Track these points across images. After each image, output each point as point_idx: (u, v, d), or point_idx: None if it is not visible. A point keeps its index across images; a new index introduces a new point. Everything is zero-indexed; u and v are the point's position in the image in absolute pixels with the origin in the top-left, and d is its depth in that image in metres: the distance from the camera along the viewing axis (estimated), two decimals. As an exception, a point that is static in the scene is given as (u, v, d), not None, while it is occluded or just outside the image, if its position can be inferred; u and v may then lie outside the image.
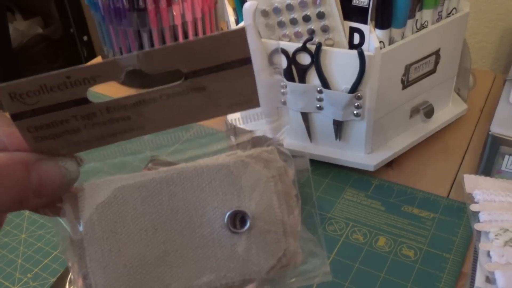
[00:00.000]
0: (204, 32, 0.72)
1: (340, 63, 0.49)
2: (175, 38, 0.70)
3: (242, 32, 0.22)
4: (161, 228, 0.24)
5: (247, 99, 0.24)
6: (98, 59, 0.81)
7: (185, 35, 0.71)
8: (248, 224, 0.24)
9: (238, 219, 0.24)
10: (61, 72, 0.21)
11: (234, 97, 0.23)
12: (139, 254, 0.23)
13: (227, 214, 0.24)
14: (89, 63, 0.21)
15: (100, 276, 0.23)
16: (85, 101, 0.22)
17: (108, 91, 0.47)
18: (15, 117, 0.21)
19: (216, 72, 0.22)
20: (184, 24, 0.70)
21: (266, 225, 0.24)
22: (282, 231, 0.24)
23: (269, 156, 0.25)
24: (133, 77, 0.65)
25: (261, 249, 0.24)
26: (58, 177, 0.23)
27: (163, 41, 0.69)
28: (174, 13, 0.67)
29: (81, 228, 0.23)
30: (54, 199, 0.23)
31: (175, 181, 0.24)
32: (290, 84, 0.52)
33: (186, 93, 0.23)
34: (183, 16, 0.69)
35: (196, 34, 0.71)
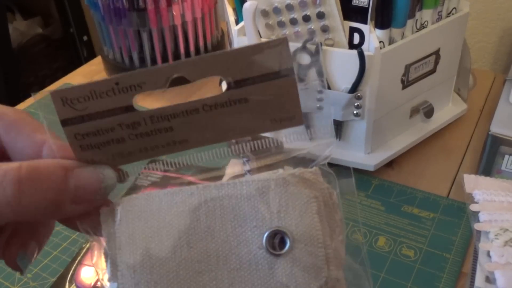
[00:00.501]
0: (204, 32, 0.72)
1: (340, 63, 0.49)
2: (175, 38, 0.70)
3: (284, 41, 0.22)
4: (196, 246, 0.22)
5: (290, 116, 0.23)
6: (98, 59, 0.81)
7: (185, 35, 0.71)
8: (288, 246, 0.22)
9: (277, 240, 0.22)
10: (110, 79, 0.22)
11: (277, 112, 0.23)
12: (172, 272, 0.22)
13: (266, 234, 0.22)
14: (136, 70, 0.22)
15: None
16: (130, 108, 0.22)
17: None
18: (65, 123, 0.22)
19: (258, 83, 0.22)
20: (184, 24, 0.70)
21: (307, 247, 0.22)
22: (324, 256, 0.23)
23: (312, 176, 0.24)
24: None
25: (301, 274, 0.22)
26: (95, 182, 0.23)
27: (163, 41, 0.69)
28: (174, 13, 0.67)
29: (115, 243, 0.23)
30: (90, 209, 0.23)
31: (214, 197, 0.23)
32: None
33: (228, 105, 0.22)
34: (183, 16, 0.68)
35: (196, 34, 0.71)
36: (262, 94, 0.22)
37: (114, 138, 0.23)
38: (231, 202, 0.23)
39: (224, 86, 0.22)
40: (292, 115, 0.23)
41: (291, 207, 0.23)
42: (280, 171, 0.24)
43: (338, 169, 0.24)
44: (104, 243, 0.23)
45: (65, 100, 0.22)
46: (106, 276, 0.23)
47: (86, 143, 0.23)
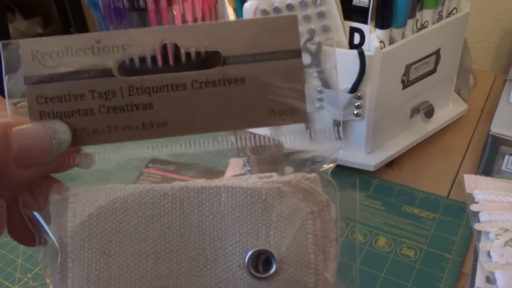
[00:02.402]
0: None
1: (340, 63, 0.49)
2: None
3: (293, 20, 0.19)
4: (165, 257, 0.19)
5: (292, 108, 0.20)
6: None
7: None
8: (273, 269, 0.19)
9: (261, 261, 0.19)
10: (92, 35, 0.19)
11: (276, 102, 0.20)
12: (133, 287, 0.19)
13: (250, 253, 0.19)
14: (122, 30, 0.19)
15: None
16: (108, 73, 0.19)
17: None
18: (29, 80, 0.19)
19: (258, 62, 0.19)
20: (184, 24, 0.70)
21: (295, 272, 0.19)
22: (314, 283, 0.20)
23: (310, 186, 0.20)
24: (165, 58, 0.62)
25: None
26: (44, 139, 0.19)
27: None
28: (175, 13, 0.67)
29: (67, 242, 0.19)
30: (41, 177, 0.19)
31: (192, 201, 0.20)
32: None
33: (222, 84, 0.19)
34: (183, 16, 0.69)
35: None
36: (262, 75, 0.20)
37: (82, 108, 0.19)
38: (212, 210, 0.20)
39: (220, 60, 0.20)
40: (294, 107, 0.20)
41: (283, 223, 0.20)
42: (274, 176, 0.20)
43: (340, 177, 0.22)
44: (53, 239, 0.20)
45: (36, 54, 0.19)
46: (53, 280, 0.19)
47: (47, 109, 0.19)
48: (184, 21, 0.69)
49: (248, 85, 0.20)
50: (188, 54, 0.63)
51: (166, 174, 0.46)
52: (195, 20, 0.71)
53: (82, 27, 1.27)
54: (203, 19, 0.71)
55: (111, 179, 0.21)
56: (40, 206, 0.20)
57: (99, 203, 0.19)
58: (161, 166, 0.47)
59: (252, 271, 0.19)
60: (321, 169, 0.22)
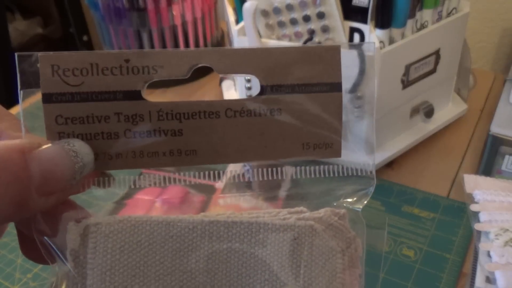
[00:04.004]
0: (204, 32, 0.72)
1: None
2: (175, 38, 0.70)
3: (336, 50, 0.19)
4: None
5: (327, 142, 0.19)
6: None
7: (185, 35, 0.71)
8: None
9: None
10: (120, 53, 0.18)
11: (312, 134, 0.19)
12: None
13: None
14: (154, 50, 0.18)
15: None
16: (136, 96, 0.18)
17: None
18: (48, 98, 0.17)
19: (296, 93, 0.18)
20: (184, 24, 0.70)
21: None
22: None
23: (339, 222, 0.20)
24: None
25: None
26: (65, 163, 0.17)
27: (163, 41, 0.69)
28: (174, 13, 0.67)
29: (86, 276, 0.18)
30: (62, 201, 0.18)
31: (221, 236, 0.19)
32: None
33: (257, 114, 0.18)
34: (183, 16, 0.68)
35: (196, 34, 0.71)
36: (300, 107, 0.19)
37: (106, 131, 0.18)
38: (241, 246, 0.19)
39: (256, 88, 0.19)
40: (330, 142, 0.20)
41: (314, 263, 0.19)
42: (305, 211, 0.20)
43: (368, 213, 0.21)
44: (70, 268, 0.18)
45: (56, 69, 0.17)
46: None
47: (67, 130, 0.18)
48: (183, 21, 0.69)
49: (284, 116, 0.19)
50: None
51: (166, 174, 0.46)
52: (194, 20, 0.71)
53: (82, 27, 1.27)
54: (202, 19, 0.71)
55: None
56: (54, 231, 0.18)
57: (123, 235, 0.18)
58: (153, 177, 0.47)
59: None
60: (350, 202, 0.21)
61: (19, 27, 1.27)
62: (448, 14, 0.55)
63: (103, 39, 0.73)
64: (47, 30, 1.30)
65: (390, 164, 0.56)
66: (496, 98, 0.61)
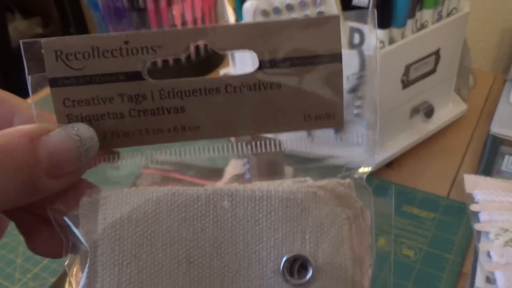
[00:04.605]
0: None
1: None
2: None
3: (335, 20, 0.19)
4: (197, 262, 0.18)
5: (329, 113, 0.20)
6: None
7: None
8: (309, 276, 0.18)
9: (297, 266, 0.19)
10: (119, 35, 0.18)
11: (313, 106, 0.19)
12: None
13: (285, 258, 0.18)
14: (152, 30, 0.18)
15: None
16: (138, 76, 0.19)
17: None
18: (54, 83, 0.18)
19: (296, 66, 0.19)
20: (184, 24, 0.70)
21: (331, 281, 0.19)
22: None
23: (345, 191, 0.20)
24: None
25: None
26: (71, 147, 0.18)
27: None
28: (174, 13, 0.67)
29: (97, 245, 0.19)
30: (72, 182, 0.19)
31: (225, 205, 0.19)
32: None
33: (257, 89, 0.19)
34: (183, 16, 0.69)
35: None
36: (299, 80, 0.19)
37: (111, 111, 0.19)
38: (246, 214, 0.19)
39: (255, 64, 0.19)
40: (331, 112, 0.20)
41: (319, 228, 0.19)
42: (309, 181, 0.20)
43: (375, 183, 0.22)
44: (83, 241, 0.19)
45: (60, 54, 0.18)
46: (81, 285, 0.19)
47: (75, 112, 0.19)
48: (183, 21, 0.69)
49: (284, 89, 0.19)
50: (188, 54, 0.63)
51: (166, 174, 0.46)
52: (194, 20, 0.70)
53: (82, 27, 1.27)
54: (202, 19, 0.71)
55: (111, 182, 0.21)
56: (70, 210, 0.19)
57: (131, 205, 0.19)
58: (160, 166, 0.47)
59: (288, 277, 0.18)
60: (355, 175, 0.21)
61: (19, 27, 1.27)
62: (448, 14, 0.55)
63: (103, 39, 0.73)
64: (47, 30, 1.30)
65: (390, 164, 0.56)
66: (496, 98, 0.61)
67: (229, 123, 0.19)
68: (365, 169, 0.21)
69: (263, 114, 0.19)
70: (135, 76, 0.19)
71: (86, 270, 0.18)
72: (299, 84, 0.19)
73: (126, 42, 0.18)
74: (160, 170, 0.48)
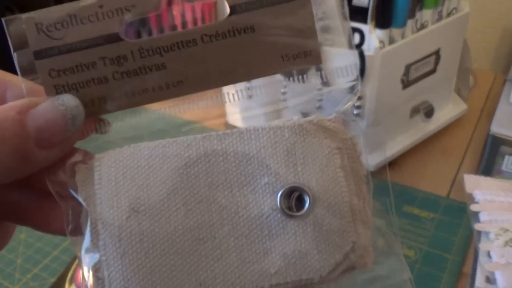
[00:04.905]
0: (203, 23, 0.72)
1: (340, 63, 0.49)
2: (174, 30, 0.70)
3: None
4: (195, 208, 0.19)
5: (306, 51, 0.20)
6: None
7: (183, 26, 0.71)
8: (307, 205, 0.18)
9: (294, 199, 0.19)
10: (93, 0, 0.19)
11: (289, 46, 0.19)
12: (166, 241, 0.18)
13: (281, 192, 0.18)
14: None
15: (116, 267, 0.18)
16: (116, 38, 0.19)
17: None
18: (39, 55, 0.19)
19: (266, 7, 0.19)
20: (184, 24, 0.70)
21: (329, 208, 0.19)
22: (351, 217, 0.19)
23: (332, 125, 0.20)
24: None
25: (323, 239, 0.18)
26: (57, 117, 0.19)
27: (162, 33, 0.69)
28: (174, 13, 0.67)
29: (95, 205, 0.19)
30: (65, 152, 0.19)
31: (216, 149, 0.19)
32: (290, 84, 0.52)
33: (231, 35, 0.19)
34: (183, 16, 0.69)
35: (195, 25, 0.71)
36: (272, 21, 0.19)
37: (95, 76, 0.19)
38: (237, 155, 0.19)
39: (226, 10, 0.19)
40: (308, 49, 0.20)
41: (310, 159, 0.19)
42: (295, 117, 0.20)
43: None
44: (84, 205, 0.19)
45: (40, 27, 0.18)
46: (84, 246, 0.19)
47: (62, 82, 0.19)
48: (183, 21, 0.69)
49: (259, 32, 0.19)
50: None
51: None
52: (194, 20, 0.70)
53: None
54: (202, 20, 0.71)
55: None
56: (70, 178, 0.20)
57: (124, 162, 0.19)
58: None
59: (286, 211, 0.18)
60: (342, 109, 0.21)
61: (19, 27, 1.27)
62: (448, 14, 0.55)
63: (103, 39, 0.73)
64: (47, 30, 1.30)
65: (390, 164, 0.56)
66: (496, 98, 0.61)
67: (211, 74, 0.19)
68: (349, 103, 0.22)
69: (242, 59, 0.19)
70: (113, 38, 0.19)
71: (87, 229, 0.19)
72: (272, 24, 0.19)
73: (101, 6, 0.19)
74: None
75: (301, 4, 0.19)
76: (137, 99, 0.20)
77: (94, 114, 0.20)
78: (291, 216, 0.18)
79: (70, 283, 0.44)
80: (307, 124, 0.20)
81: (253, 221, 0.19)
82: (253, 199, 0.19)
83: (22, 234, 0.50)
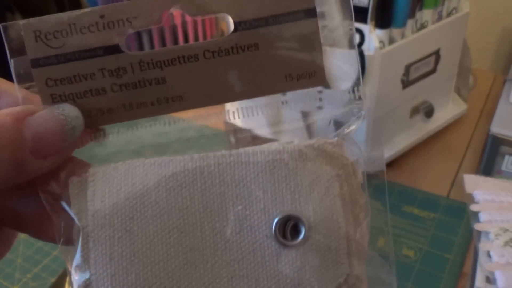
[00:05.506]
0: (204, 32, 0.72)
1: (340, 63, 0.49)
2: (175, 38, 0.70)
3: None
4: (188, 231, 0.18)
5: (310, 71, 0.19)
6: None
7: (185, 35, 0.71)
8: (302, 235, 0.18)
9: (289, 227, 0.18)
10: (94, 10, 0.18)
11: (293, 65, 0.19)
12: (158, 263, 0.18)
13: (276, 220, 0.18)
14: (125, 1, 0.18)
15: (106, 286, 0.18)
16: (116, 50, 0.19)
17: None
18: (36, 63, 0.18)
19: (271, 25, 0.18)
20: (184, 24, 0.70)
21: (325, 238, 0.18)
22: (346, 249, 0.19)
23: (333, 150, 0.20)
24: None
25: (316, 270, 0.18)
26: (56, 126, 0.18)
27: (163, 41, 0.69)
28: (174, 13, 0.67)
29: (88, 222, 0.18)
30: (60, 162, 0.19)
31: (212, 170, 0.18)
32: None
33: (235, 52, 0.19)
34: (183, 16, 0.68)
35: (196, 34, 0.71)
36: (276, 39, 0.19)
37: (93, 87, 0.19)
38: (233, 178, 0.18)
39: (230, 27, 0.19)
40: (312, 70, 0.19)
41: (309, 187, 0.19)
42: (295, 141, 0.19)
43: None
44: (76, 221, 0.19)
45: (39, 35, 0.18)
46: (74, 263, 0.19)
47: (58, 91, 0.19)
48: (183, 21, 0.69)
49: (262, 50, 0.19)
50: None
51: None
52: (194, 20, 0.70)
53: (82, 27, 1.27)
54: (202, 19, 0.71)
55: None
56: (64, 190, 0.19)
57: (118, 179, 0.19)
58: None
59: (281, 239, 0.18)
60: (345, 133, 0.21)
61: (19, 27, 1.27)
62: (448, 14, 0.55)
63: (103, 39, 0.73)
64: (47, 30, 1.30)
65: (390, 164, 0.56)
66: (496, 98, 0.61)
67: (212, 91, 0.19)
68: (352, 127, 0.21)
69: (244, 77, 0.19)
70: (113, 49, 0.19)
71: (79, 247, 0.18)
72: (277, 43, 0.19)
73: (102, 17, 0.18)
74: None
75: (307, 24, 0.19)
76: (135, 112, 0.19)
77: (91, 125, 0.19)
78: (285, 245, 0.18)
79: (70, 283, 0.44)
80: (307, 149, 0.19)
81: (246, 247, 0.18)
82: (247, 224, 0.18)
83: (22, 234, 0.50)
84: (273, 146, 0.19)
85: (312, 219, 0.18)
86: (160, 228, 0.18)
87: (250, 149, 0.19)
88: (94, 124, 0.19)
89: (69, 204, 0.19)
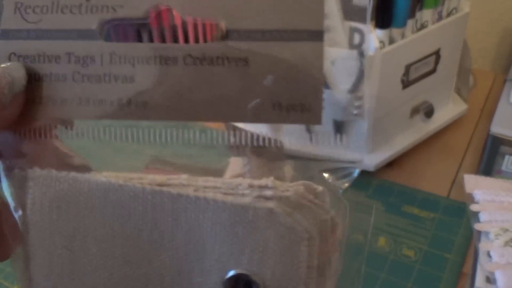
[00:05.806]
0: (204, 32, 0.72)
1: (340, 63, 0.49)
2: (175, 38, 0.70)
3: None
4: (134, 261, 0.17)
5: (304, 103, 0.16)
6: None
7: (185, 35, 0.71)
8: None
9: (241, 285, 0.17)
10: None
11: (285, 92, 0.16)
12: (98, 287, 0.17)
13: (227, 277, 0.17)
14: None
15: None
16: (91, 35, 0.17)
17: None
18: (5, 35, 0.17)
19: (268, 41, 0.16)
20: (184, 24, 0.70)
21: None
22: None
23: (315, 201, 0.17)
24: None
25: None
26: None
27: (163, 41, 0.69)
28: (174, 13, 0.67)
29: (29, 229, 0.18)
30: (2, 124, 0.17)
31: (166, 208, 0.17)
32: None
33: (220, 63, 0.16)
34: (173, 28, 0.68)
35: (196, 34, 0.71)
36: (271, 58, 0.16)
37: (54, 71, 0.17)
38: (188, 222, 0.17)
39: (219, 33, 0.16)
40: (307, 103, 0.16)
41: (272, 249, 0.17)
42: (270, 190, 0.17)
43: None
44: (13, 213, 0.18)
45: (19, 6, 0.17)
46: (17, 265, 0.18)
47: None
48: (183, 21, 0.69)
49: (252, 67, 0.16)
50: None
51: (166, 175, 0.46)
52: (194, 20, 0.70)
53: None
54: (195, 37, 0.71)
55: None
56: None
57: (60, 193, 0.17)
58: (160, 166, 0.47)
59: None
60: (335, 182, 0.19)
61: (19, 27, 1.27)
62: (448, 14, 0.55)
63: (103, 39, 0.73)
64: (47, 30, 1.30)
65: (390, 164, 0.56)
66: (496, 98, 0.61)
67: (182, 103, 0.16)
68: (345, 184, 0.19)
69: (223, 97, 0.16)
70: (88, 35, 0.17)
71: (21, 251, 0.18)
72: (270, 62, 0.16)
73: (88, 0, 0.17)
74: (160, 170, 0.48)
75: (311, 47, 0.16)
76: (90, 109, 0.17)
77: (40, 114, 0.18)
78: None
79: None
80: (280, 206, 0.16)
81: (194, 286, 0.17)
82: (198, 267, 0.17)
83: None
84: (242, 189, 0.17)
85: (269, 282, 0.16)
86: (104, 253, 0.17)
87: (211, 195, 0.17)
88: (43, 112, 0.18)
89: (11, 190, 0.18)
